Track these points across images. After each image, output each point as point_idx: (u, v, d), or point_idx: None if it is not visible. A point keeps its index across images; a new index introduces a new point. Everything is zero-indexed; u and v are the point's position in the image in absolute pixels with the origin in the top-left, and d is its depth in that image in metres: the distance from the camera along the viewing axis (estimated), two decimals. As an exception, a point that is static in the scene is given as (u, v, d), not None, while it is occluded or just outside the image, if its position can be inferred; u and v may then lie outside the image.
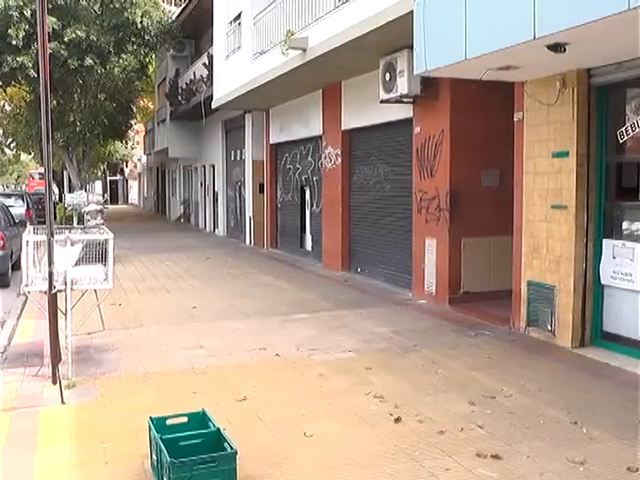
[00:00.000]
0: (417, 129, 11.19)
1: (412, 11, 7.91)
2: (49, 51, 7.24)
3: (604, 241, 7.87)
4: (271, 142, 19.38)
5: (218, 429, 4.66)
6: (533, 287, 8.50)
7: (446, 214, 10.50)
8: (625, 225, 7.77)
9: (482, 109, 9.96)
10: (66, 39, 20.67)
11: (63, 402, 6.14)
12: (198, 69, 24.14)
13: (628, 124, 7.60)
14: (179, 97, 26.45)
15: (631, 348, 7.48)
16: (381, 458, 4.93)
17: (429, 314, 10.06)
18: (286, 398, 6.26)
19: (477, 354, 7.74)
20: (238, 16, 17.45)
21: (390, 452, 5.03)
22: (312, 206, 16.98)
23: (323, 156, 15.39)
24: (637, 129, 7.45)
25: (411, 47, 8.10)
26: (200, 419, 4.92)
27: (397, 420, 5.57)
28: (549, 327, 8.21)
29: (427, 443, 5.18)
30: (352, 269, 14.29)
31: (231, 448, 4.37)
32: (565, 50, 6.46)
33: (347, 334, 8.71)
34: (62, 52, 20.80)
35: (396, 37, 9.58)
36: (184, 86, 25.89)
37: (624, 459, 4.90)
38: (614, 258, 7.72)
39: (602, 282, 7.87)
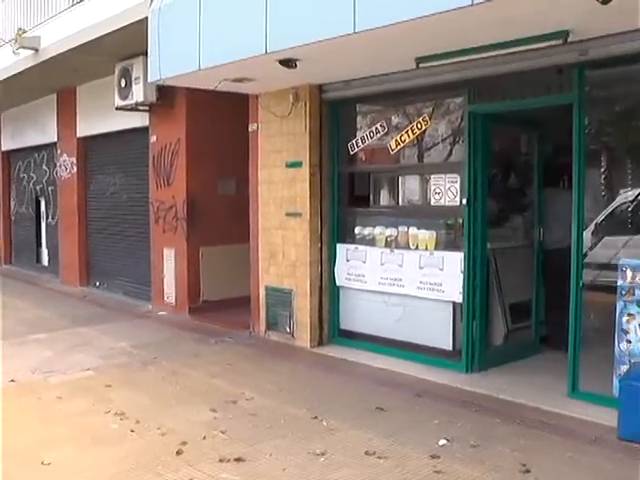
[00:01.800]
0: (153, 138, 11.04)
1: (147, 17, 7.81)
2: None
3: (338, 245, 8.33)
4: (3, 149, 18.06)
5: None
6: (271, 292, 8.74)
7: (184, 223, 10.47)
8: (357, 230, 8.27)
9: (219, 118, 10.05)
10: None
11: None
12: None
13: (358, 137, 8.13)
14: None
15: (366, 343, 8.05)
16: (123, 477, 4.75)
17: (169, 325, 9.97)
18: (23, 426, 5.81)
19: (218, 361, 7.78)
20: (-38, 7, 16.07)
21: (132, 469, 4.86)
22: (48, 218, 16.08)
23: (58, 164, 14.62)
24: (367, 142, 7.99)
25: (147, 54, 7.97)
26: None
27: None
28: (288, 329, 8.50)
29: (170, 455, 5.08)
30: (91, 283, 13.75)
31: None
32: (296, 66, 6.69)
33: (86, 352, 8.34)
34: None
35: (132, 42, 9.30)
36: None
37: (362, 445, 5.20)
38: (348, 261, 8.20)
39: (338, 284, 8.33)
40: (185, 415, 5.95)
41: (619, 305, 5.82)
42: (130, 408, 6.13)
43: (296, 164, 8.32)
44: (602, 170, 7.67)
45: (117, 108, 11.01)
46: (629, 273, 5.76)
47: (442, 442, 5.24)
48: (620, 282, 5.82)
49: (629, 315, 5.77)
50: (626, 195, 7.92)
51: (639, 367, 5.61)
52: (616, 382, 5.76)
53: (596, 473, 4.74)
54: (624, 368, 5.74)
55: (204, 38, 7.00)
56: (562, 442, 5.24)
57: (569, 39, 5.49)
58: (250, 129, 8.98)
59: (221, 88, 7.90)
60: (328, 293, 8.41)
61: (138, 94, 10.40)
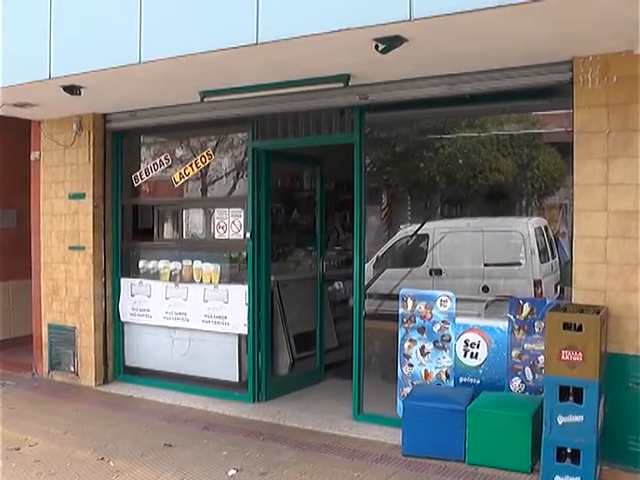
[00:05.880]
0: None
1: None
2: None
3: (122, 280, 8.18)
4: None
5: None
6: (54, 330, 8.37)
7: (-41, 259, 9.71)
8: (142, 264, 8.19)
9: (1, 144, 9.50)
10: None
11: None
12: None
13: (142, 169, 8.06)
14: None
15: (153, 379, 7.93)
16: None
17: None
18: None
19: (-1, 406, 7.32)
20: None
21: None
22: None
23: None
24: (151, 174, 7.94)
25: None
26: None
27: None
28: (72, 369, 8.18)
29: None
30: None
31: None
32: (80, 93, 6.55)
33: None
34: None
35: None
36: None
37: (150, 481, 5.14)
38: (133, 296, 8.07)
39: (122, 319, 8.16)
40: (-37, 468, 5.52)
41: (401, 332, 6.26)
42: None
43: (79, 196, 8.08)
44: (383, 206, 8.20)
45: None
46: (410, 302, 6.22)
47: (232, 472, 5.31)
48: (401, 310, 6.26)
49: (410, 341, 6.23)
50: (406, 230, 8.50)
51: (420, 388, 6.08)
52: (400, 403, 6.17)
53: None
54: (407, 390, 6.18)
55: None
56: (349, 462, 5.50)
57: (350, 83, 5.88)
58: (32, 157, 8.59)
59: (2, 113, 7.52)
60: (113, 329, 8.21)
61: None
